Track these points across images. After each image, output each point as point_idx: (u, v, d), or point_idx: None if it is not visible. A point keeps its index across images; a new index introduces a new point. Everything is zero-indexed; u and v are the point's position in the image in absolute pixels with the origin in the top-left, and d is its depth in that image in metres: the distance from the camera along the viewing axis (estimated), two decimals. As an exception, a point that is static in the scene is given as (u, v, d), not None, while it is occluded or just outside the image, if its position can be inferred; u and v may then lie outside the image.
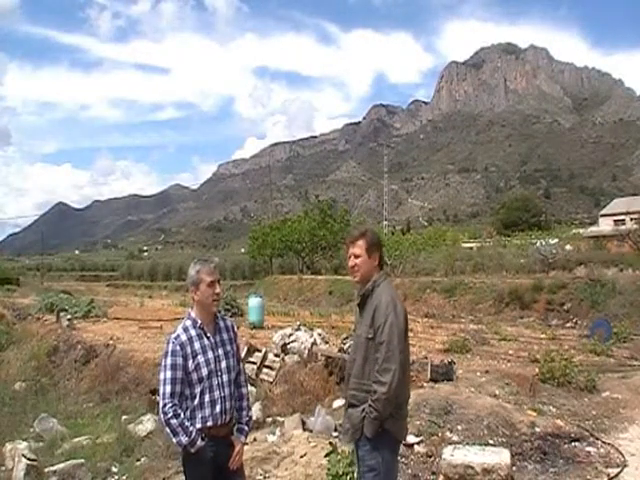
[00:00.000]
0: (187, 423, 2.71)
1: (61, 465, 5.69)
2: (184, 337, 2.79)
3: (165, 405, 2.68)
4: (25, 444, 6.27)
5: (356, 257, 2.92)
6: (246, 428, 2.99)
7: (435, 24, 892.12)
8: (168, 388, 2.70)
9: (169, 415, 2.67)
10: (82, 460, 5.89)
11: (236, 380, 2.95)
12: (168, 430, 2.70)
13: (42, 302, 20.99)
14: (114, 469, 6.03)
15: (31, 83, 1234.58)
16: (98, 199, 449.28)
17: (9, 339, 15.53)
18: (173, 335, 2.80)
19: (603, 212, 54.74)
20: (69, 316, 16.75)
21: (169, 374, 2.71)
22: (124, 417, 8.26)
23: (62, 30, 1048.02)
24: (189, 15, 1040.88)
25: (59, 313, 17.42)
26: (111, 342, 12.82)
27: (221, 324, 2.96)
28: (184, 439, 2.68)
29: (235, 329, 3.05)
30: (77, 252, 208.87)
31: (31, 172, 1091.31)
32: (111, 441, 6.86)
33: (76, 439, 7.15)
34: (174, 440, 2.71)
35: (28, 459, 5.58)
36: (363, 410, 2.76)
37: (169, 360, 2.73)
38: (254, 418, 5.98)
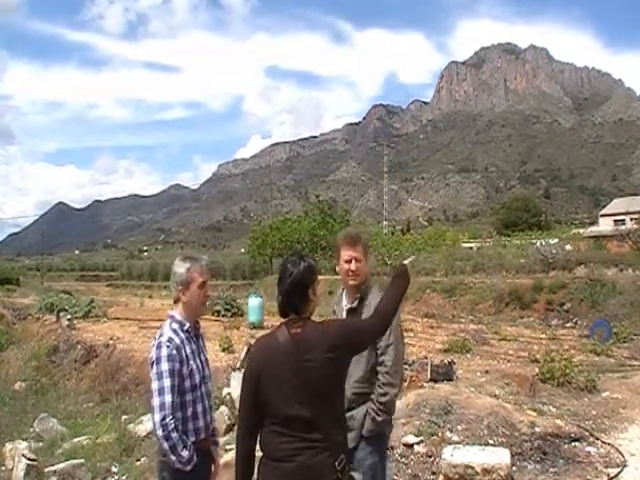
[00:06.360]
0: (184, 437, 2.39)
1: (61, 465, 5.67)
2: (177, 340, 2.46)
3: (165, 417, 2.31)
4: (25, 444, 6.25)
5: (357, 261, 2.88)
6: (219, 440, 2.86)
7: (447, 24, 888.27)
8: (168, 398, 2.34)
9: (170, 428, 2.31)
10: (82, 460, 5.88)
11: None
12: (167, 446, 2.32)
13: (42, 302, 20.97)
14: (114, 469, 6.01)
15: (39, 82, 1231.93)
16: (98, 199, 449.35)
17: (9, 339, 15.57)
18: (164, 338, 2.45)
19: (603, 212, 54.71)
20: (69, 316, 16.74)
21: (168, 382, 2.35)
22: (124, 417, 8.23)
23: (71, 28, 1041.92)
24: (201, 12, 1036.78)
25: (59, 313, 17.42)
26: (111, 342, 12.83)
27: (200, 329, 2.68)
28: (185, 454, 2.34)
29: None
30: (77, 252, 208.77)
31: (32, 172, 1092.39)
32: (111, 441, 6.83)
33: (76, 439, 7.13)
34: (173, 458, 2.34)
35: (28, 459, 5.57)
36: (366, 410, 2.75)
37: (167, 366, 2.37)
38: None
